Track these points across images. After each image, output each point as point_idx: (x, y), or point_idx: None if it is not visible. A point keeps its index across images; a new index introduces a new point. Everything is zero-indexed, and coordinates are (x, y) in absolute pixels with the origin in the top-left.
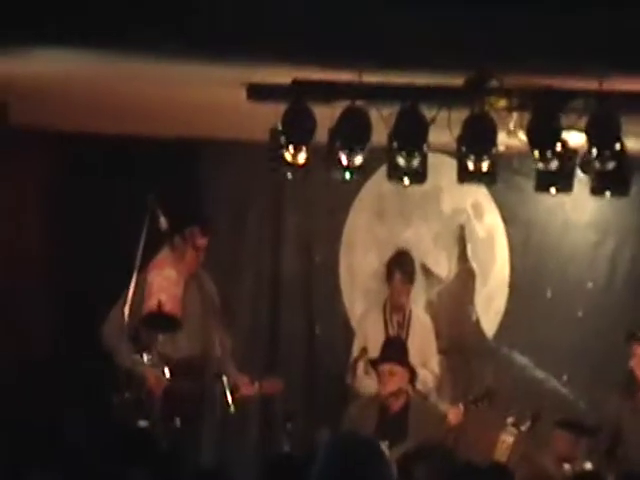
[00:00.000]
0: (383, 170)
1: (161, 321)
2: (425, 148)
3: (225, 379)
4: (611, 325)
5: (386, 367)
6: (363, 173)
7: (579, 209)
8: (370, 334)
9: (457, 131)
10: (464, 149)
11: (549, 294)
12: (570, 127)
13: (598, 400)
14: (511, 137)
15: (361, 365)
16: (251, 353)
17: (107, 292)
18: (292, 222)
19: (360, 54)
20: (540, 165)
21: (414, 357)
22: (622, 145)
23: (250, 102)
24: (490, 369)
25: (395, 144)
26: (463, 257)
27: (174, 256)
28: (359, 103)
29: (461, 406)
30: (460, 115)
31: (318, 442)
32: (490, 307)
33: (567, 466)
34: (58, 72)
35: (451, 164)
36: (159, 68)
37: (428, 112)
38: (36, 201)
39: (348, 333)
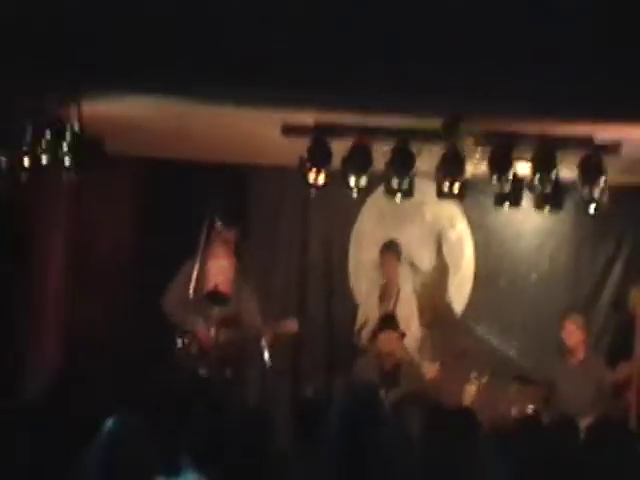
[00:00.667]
0: (381, 189)
1: (217, 298)
2: (412, 174)
3: (263, 342)
4: (549, 306)
5: (383, 335)
6: (367, 191)
7: (526, 220)
8: (370, 307)
9: (436, 161)
10: (441, 175)
11: (503, 283)
12: (519, 159)
13: (538, 361)
14: (476, 166)
15: (364, 332)
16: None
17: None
18: (315, 227)
19: (366, 103)
20: (497, 187)
21: (401, 324)
22: (557, 173)
23: (284, 137)
24: (459, 338)
25: (390, 171)
26: (440, 255)
27: (225, 249)
28: (364, 140)
29: (438, 364)
30: (438, 149)
31: (334, 389)
32: (459, 292)
33: (515, 409)
34: (143, 112)
35: (432, 185)
36: (218, 111)
37: (415, 147)
38: (128, 216)
39: (354, 306)
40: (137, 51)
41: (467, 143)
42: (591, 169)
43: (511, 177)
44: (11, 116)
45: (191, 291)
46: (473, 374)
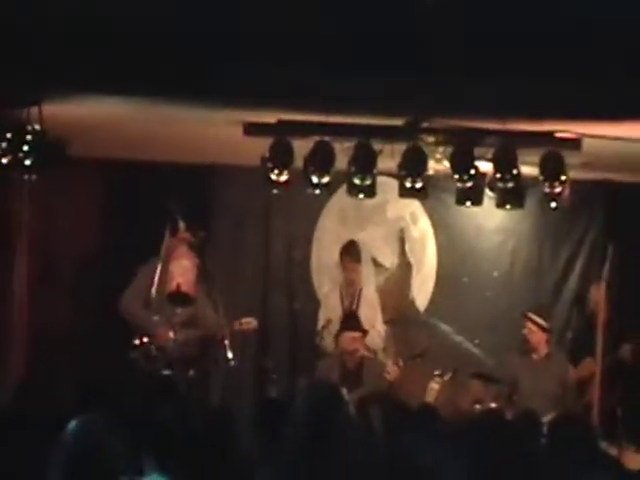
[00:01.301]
0: (344, 188)
1: (179, 298)
2: (374, 172)
3: (227, 342)
4: (511, 303)
5: (345, 334)
6: (329, 190)
7: (488, 217)
8: (332, 307)
9: (398, 159)
10: (403, 173)
11: (466, 280)
12: (481, 157)
13: (501, 358)
14: (438, 164)
15: (327, 331)
16: None
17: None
18: (277, 225)
19: (327, 102)
20: (459, 185)
21: (364, 323)
22: (518, 170)
23: (246, 136)
24: (422, 335)
25: (353, 169)
26: (403, 252)
27: (188, 250)
28: (326, 138)
29: (401, 362)
30: (400, 147)
31: (297, 388)
32: (422, 289)
33: (478, 406)
34: (105, 114)
35: (394, 184)
36: (180, 111)
37: (377, 145)
38: (90, 218)
39: (317, 307)
40: (98, 53)
41: (429, 141)
42: (552, 166)
43: (473, 175)
44: None
45: (154, 292)
46: (436, 372)
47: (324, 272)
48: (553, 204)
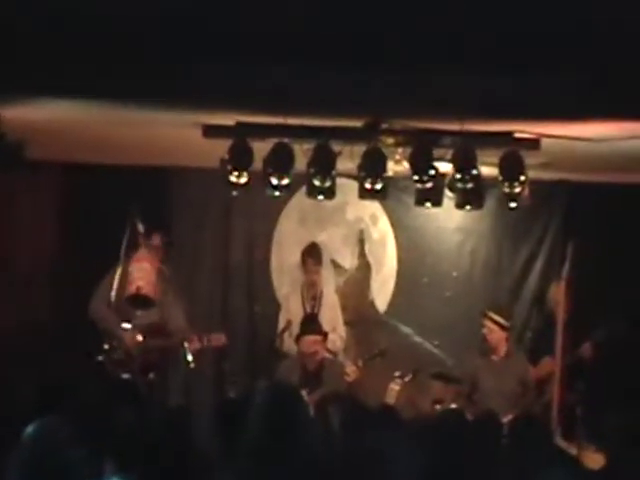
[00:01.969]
0: (303, 189)
1: (140, 301)
2: (334, 173)
3: (186, 344)
4: (470, 303)
5: (306, 338)
6: (289, 191)
7: (447, 218)
8: (292, 309)
9: (358, 161)
10: (363, 174)
11: (425, 280)
12: (440, 158)
13: (461, 358)
14: (397, 165)
15: (287, 333)
16: (207, 324)
17: (100, 278)
18: (237, 227)
19: (286, 104)
20: (418, 185)
21: (325, 325)
22: (477, 171)
23: (204, 139)
24: (382, 336)
25: (312, 170)
26: (362, 253)
27: (148, 253)
28: (285, 140)
29: (361, 363)
30: (360, 149)
31: (256, 390)
32: (382, 290)
33: (439, 406)
34: (63, 116)
35: (353, 185)
36: (138, 114)
37: (336, 147)
38: (50, 221)
39: (277, 309)
40: (55, 55)
41: (388, 142)
42: (511, 165)
43: (432, 176)
44: None
45: (113, 295)
46: (397, 373)
47: (284, 273)
48: (513, 204)
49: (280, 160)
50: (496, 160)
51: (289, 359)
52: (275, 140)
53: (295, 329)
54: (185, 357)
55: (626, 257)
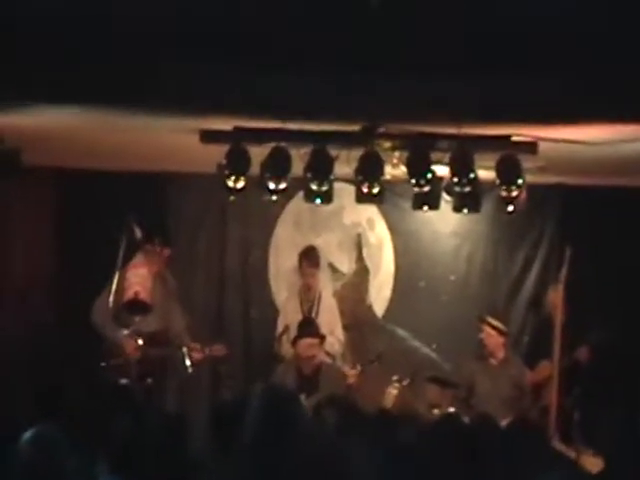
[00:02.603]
0: (301, 194)
1: (137, 306)
2: (331, 178)
3: (184, 349)
4: (467, 307)
5: (302, 341)
6: (286, 196)
7: (444, 222)
8: (290, 313)
9: (355, 165)
10: (360, 178)
11: (423, 284)
12: (437, 161)
13: (458, 362)
14: (395, 169)
15: (285, 337)
16: (204, 330)
17: (98, 285)
18: (234, 232)
19: (283, 108)
20: (416, 189)
21: (323, 328)
22: (475, 175)
23: (202, 144)
24: (380, 340)
25: (309, 175)
26: (360, 258)
27: (146, 259)
28: (283, 144)
29: (359, 367)
30: (357, 153)
31: (252, 394)
32: (380, 295)
33: (436, 410)
34: (60, 123)
35: (350, 189)
36: (135, 120)
37: (333, 151)
38: (46, 227)
39: (275, 314)
40: (52, 61)
41: (385, 146)
42: (508, 169)
43: (429, 179)
44: None
45: (111, 301)
46: (394, 377)
47: (282, 278)
48: (510, 208)
49: (277, 164)
50: (493, 164)
51: (286, 363)
52: (272, 145)
53: (293, 333)
54: (183, 362)
55: (622, 260)
